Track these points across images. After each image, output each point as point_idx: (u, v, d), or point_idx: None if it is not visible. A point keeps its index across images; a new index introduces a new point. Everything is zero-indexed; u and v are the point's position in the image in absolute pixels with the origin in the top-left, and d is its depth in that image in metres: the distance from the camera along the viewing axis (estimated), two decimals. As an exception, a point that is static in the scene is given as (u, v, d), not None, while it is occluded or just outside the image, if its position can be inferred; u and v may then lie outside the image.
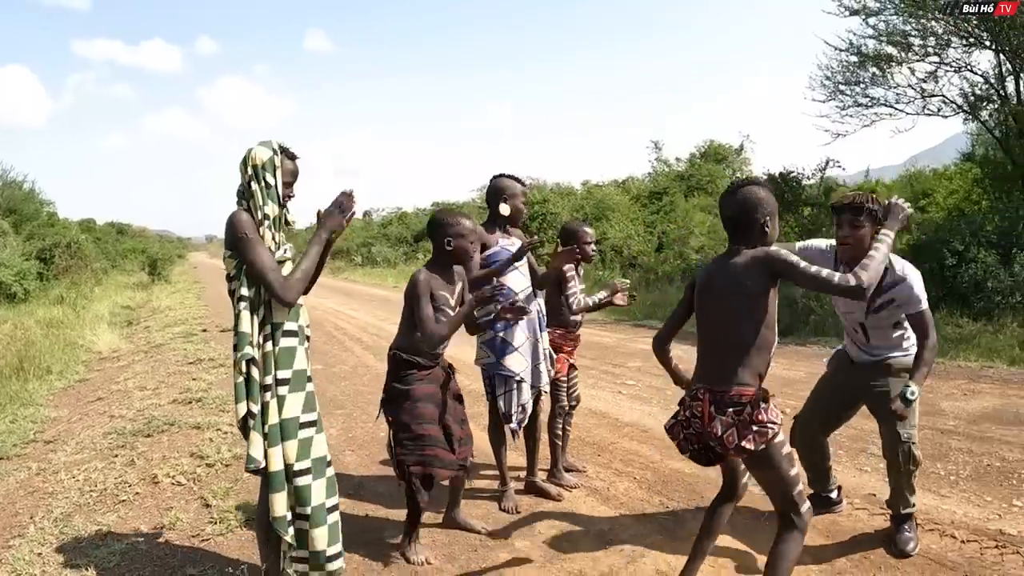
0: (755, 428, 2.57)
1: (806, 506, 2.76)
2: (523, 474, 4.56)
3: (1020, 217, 11.42)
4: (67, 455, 5.44)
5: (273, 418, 2.84)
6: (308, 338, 3.05)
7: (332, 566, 2.99)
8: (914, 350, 3.53)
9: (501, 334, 4.06)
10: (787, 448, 2.72)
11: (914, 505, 3.67)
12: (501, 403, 4.11)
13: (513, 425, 4.08)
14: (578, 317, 4.54)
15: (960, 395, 6.94)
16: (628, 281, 4.69)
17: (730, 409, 2.62)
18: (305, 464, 2.94)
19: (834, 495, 4.11)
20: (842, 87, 13.73)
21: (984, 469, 4.76)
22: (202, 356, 9.62)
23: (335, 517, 3.03)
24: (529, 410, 4.14)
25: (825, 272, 2.60)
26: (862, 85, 13.56)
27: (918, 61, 12.84)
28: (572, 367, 4.66)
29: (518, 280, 4.09)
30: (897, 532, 3.66)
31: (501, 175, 4.16)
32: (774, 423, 2.60)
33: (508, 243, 4.15)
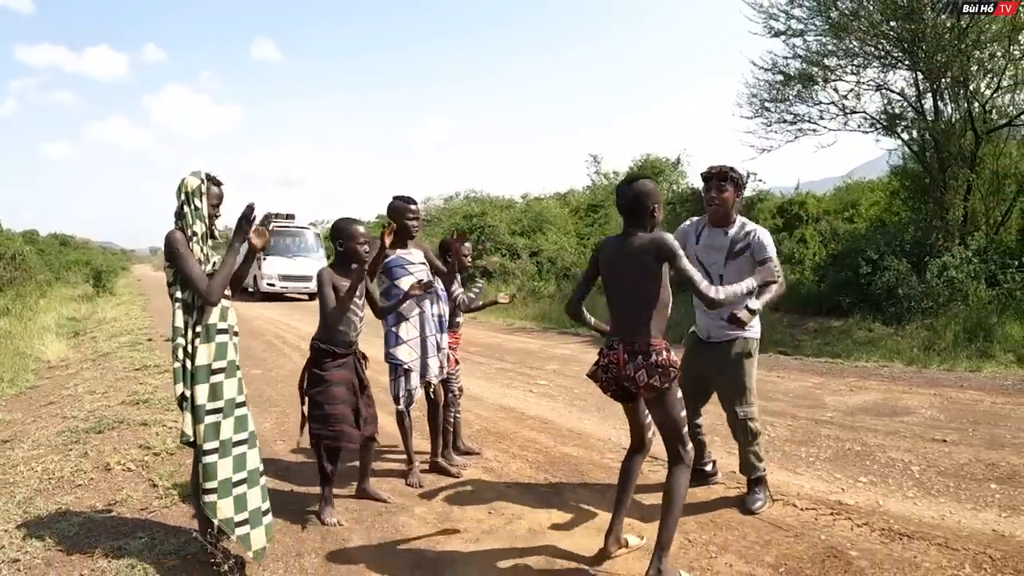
0: (659, 369, 3.24)
1: (690, 445, 3.44)
2: (429, 456, 5.19)
3: (933, 227, 12.23)
4: (24, 451, 5.78)
5: (201, 399, 3.40)
6: (236, 334, 3.66)
7: (240, 531, 3.50)
8: (754, 333, 4.30)
9: (393, 329, 4.73)
10: (679, 394, 3.38)
11: (764, 470, 4.39)
12: (391, 387, 4.78)
13: (401, 407, 4.74)
14: (460, 318, 5.30)
15: (847, 391, 7.66)
16: (511, 291, 5.44)
17: (639, 356, 3.26)
18: (243, 435, 3.57)
19: (708, 467, 4.77)
20: (768, 104, 14.28)
21: (844, 452, 5.42)
22: (148, 363, 9.91)
23: (242, 490, 3.55)
24: (416, 395, 4.79)
25: (698, 276, 3.28)
26: (787, 102, 14.12)
27: (837, 80, 13.53)
28: (456, 362, 5.35)
29: (411, 283, 4.69)
30: (748, 494, 4.38)
31: (397, 197, 4.85)
32: (674, 366, 3.28)
33: (406, 252, 4.82)
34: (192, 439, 3.41)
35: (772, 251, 4.14)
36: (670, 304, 3.38)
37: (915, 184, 13.80)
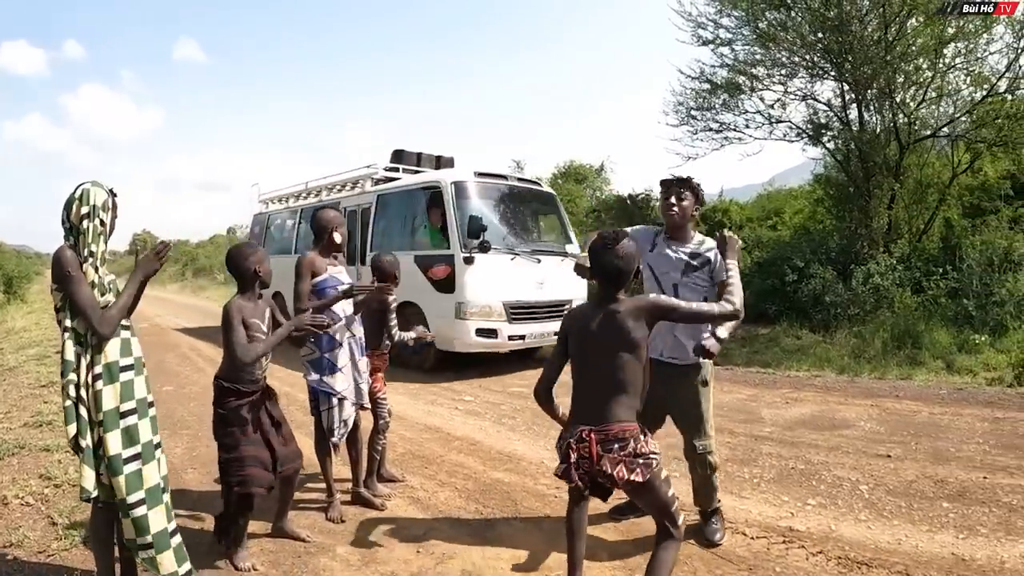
0: (640, 461, 2.78)
1: (681, 519, 3.02)
2: (350, 485, 4.81)
3: (858, 235, 12.38)
4: None
5: (115, 448, 3.02)
6: (143, 366, 3.25)
7: None
8: (710, 360, 4.01)
9: (327, 355, 4.38)
10: (664, 473, 2.96)
11: (719, 500, 4.14)
12: (324, 418, 4.42)
13: (335, 439, 4.41)
14: (388, 339, 4.94)
15: (782, 403, 7.52)
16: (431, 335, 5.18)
17: (615, 445, 2.77)
18: (162, 482, 3.20)
19: None
20: (694, 112, 14.31)
21: (788, 471, 5.21)
22: (55, 379, 9.23)
23: (178, 539, 3.22)
24: (351, 425, 4.48)
25: (705, 306, 2.97)
26: (713, 111, 14.18)
27: (764, 90, 13.65)
28: (384, 385, 5.03)
29: (343, 306, 4.45)
30: (705, 525, 4.11)
31: (326, 208, 4.52)
32: (655, 453, 2.84)
33: (336, 271, 4.51)
34: (92, 495, 3.02)
35: None
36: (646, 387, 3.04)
37: (839, 192, 13.98)
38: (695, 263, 3.94)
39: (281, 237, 15.12)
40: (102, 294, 3.06)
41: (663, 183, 4.03)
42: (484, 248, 9.33)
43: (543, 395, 3.17)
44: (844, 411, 7.02)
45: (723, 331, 3.72)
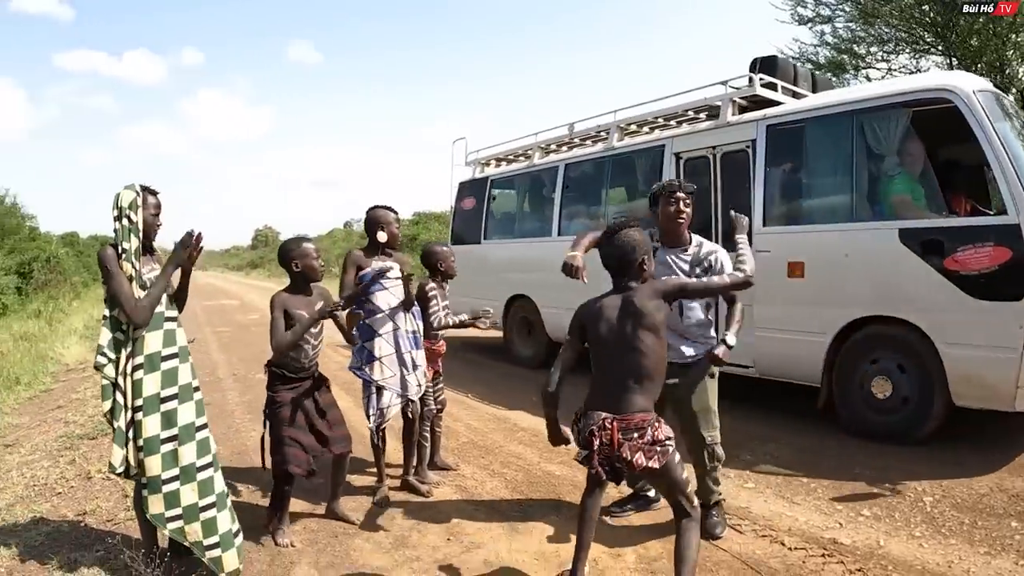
0: (658, 448, 2.88)
1: (696, 500, 3.15)
2: (401, 473, 4.98)
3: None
4: (21, 456, 5.89)
5: (153, 430, 3.29)
6: (188, 355, 3.54)
7: (212, 554, 3.42)
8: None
9: (366, 344, 4.50)
10: (678, 457, 3.02)
11: (720, 493, 4.12)
12: (364, 405, 4.56)
13: (371, 425, 4.53)
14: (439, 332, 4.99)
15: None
16: (491, 310, 5.14)
17: (635, 434, 2.87)
18: (207, 459, 3.47)
19: (652, 493, 4.49)
20: (798, 94, 13.91)
21: (852, 476, 4.86)
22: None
23: (211, 514, 3.44)
24: (389, 415, 4.54)
25: (715, 279, 3.08)
26: (818, 91, 13.73)
27: (868, 68, 13.23)
28: (437, 374, 5.10)
29: (386, 299, 4.52)
30: (706, 518, 4.00)
31: (376, 207, 4.60)
32: (671, 439, 2.93)
33: (379, 265, 4.56)
34: (117, 471, 3.33)
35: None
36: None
37: (951, 174, 13.24)
38: (697, 270, 3.91)
39: (521, 212, 10.19)
40: (142, 288, 3.34)
41: (667, 191, 3.98)
42: None
43: (550, 398, 3.18)
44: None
45: (731, 337, 3.78)
